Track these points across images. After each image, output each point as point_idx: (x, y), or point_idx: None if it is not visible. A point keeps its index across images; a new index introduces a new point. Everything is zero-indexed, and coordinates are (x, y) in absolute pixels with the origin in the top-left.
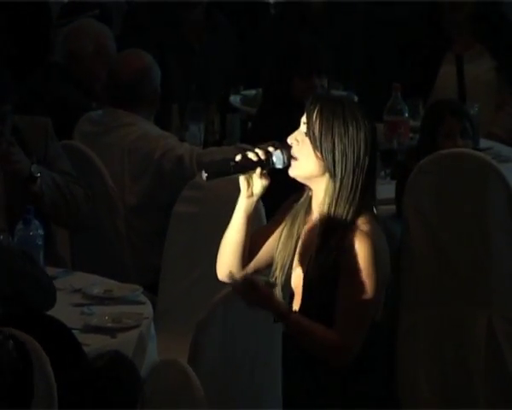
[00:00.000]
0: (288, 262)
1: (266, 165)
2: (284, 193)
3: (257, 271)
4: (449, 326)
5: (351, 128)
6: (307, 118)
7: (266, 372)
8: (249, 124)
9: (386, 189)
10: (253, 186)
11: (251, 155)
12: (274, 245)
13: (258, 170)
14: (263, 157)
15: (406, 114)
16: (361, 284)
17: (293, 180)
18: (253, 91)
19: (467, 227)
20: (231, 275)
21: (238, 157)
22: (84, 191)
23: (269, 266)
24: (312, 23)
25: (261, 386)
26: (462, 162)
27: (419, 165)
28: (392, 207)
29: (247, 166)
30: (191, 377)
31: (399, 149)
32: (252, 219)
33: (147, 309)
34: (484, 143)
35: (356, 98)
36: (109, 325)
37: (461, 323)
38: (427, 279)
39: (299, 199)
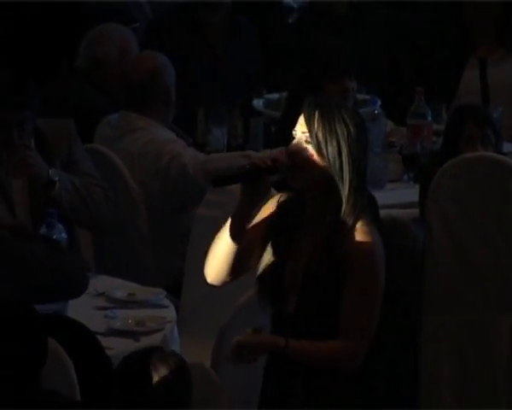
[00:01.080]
0: (280, 263)
1: (272, 172)
2: None
3: (244, 271)
4: (472, 331)
5: (352, 129)
6: (308, 125)
7: None
8: (272, 128)
9: (409, 192)
10: (255, 193)
11: (258, 163)
12: (257, 246)
13: (265, 178)
14: (269, 164)
15: (429, 118)
16: (366, 288)
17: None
18: (277, 95)
19: (490, 231)
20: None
21: (246, 164)
22: (104, 193)
23: (251, 266)
24: (336, 26)
25: None
26: (485, 166)
27: (442, 168)
28: (416, 211)
29: (255, 174)
30: (215, 381)
31: (422, 153)
32: (248, 224)
33: (170, 313)
34: (507, 146)
35: (379, 102)
36: (133, 328)
37: (484, 327)
38: (450, 283)
39: (282, 198)
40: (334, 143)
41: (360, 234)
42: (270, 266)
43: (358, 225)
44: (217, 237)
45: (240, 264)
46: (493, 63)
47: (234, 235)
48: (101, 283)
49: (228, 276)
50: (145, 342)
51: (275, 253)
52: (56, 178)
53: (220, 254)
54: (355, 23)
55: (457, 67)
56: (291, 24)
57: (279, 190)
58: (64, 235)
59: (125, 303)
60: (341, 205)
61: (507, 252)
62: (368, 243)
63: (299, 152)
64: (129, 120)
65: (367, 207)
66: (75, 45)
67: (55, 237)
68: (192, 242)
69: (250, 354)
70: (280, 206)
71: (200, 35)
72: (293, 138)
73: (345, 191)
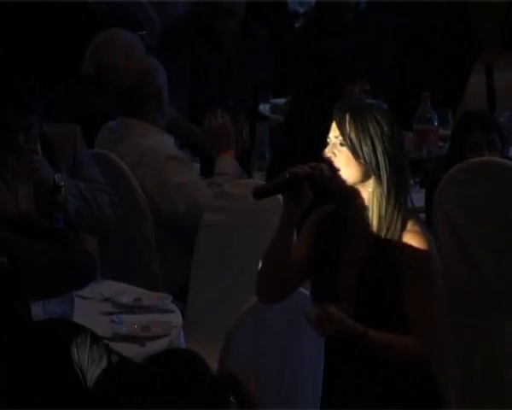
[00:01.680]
0: (333, 274)
1: (312, 179)
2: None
3: (292, 290)
4: (478, 335)
5: (385, 127)
6: (340, 128)
7: (295, 381)
8: (278, 133)
9: (415, 197)
10: (298, 202)
11: (297, 171)
12: (306, 263)
13: (306, 185)
14: (309, 171)
15: (436, 123)
16: (429, 286)
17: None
18: (283, 100)
19: (496, 236)
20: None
21: (285, 173)
22: (110, 198)
23: (301, 284)
24: (342, 31)
25: (290, 395)
26: (491, 171)
27: (448, 173)
28: (422, 216)
29: (295, 183)
30: None
31: (429, 158)
32: (293, 237)
33: (176, 318)
34: None
35: (385, 106)
36: (139, 333)
37: (490, 332)
38: (456, 288)
39: (323, 213)
40: (369, 143)
41: (413, 234)
42: (323, 281)
43: (409, 225)
44: (265, 253)
45: (288, 281)
46: (499, 68)
47: (281, 247)
48: (107, 288)
49: (276, 295)
50: (151, 347)
51: (326, 267)
52: (62, 183)
53: (270, 269)
54: (361, 28)
55: (464, 71)
56: (297, 29)
57: (321, 196)
58: None
59: (131, 308)
60: (385, 202)
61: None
62: (423, 243)
63: (334, 156)
64: (125, 125)
65: (411, 207)
66: (81, 50)
67: None
68: (197, 247)
69: (332, 327)
70: (322, 221)
71: (214, 42)
72: (327, 144)
73: (384, 190)
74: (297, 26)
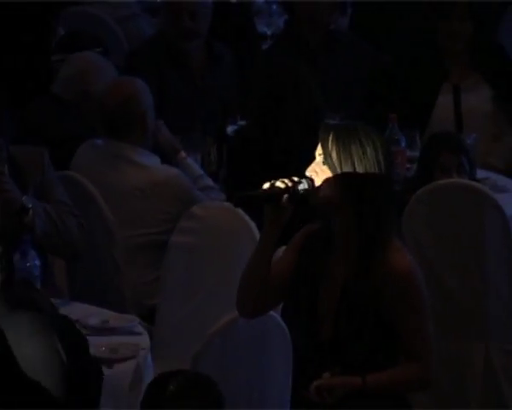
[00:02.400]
0: (314, 293)
1: (293, 193)
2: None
3: (273, 305)
4: (446, 357)
5: (368, 149)
6: (323, 147)
7: (263, 403)
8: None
9: None
10: (278, 215)
11: (278, 184)
12: (288, 279)
13: (286, 197)
14: (290, 185)
15: (403, 145)
16: (418, 305)
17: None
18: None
19: (463, 258)
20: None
21: (266, 185)
22: (77, 221)
23: (282, 300)
24: (310, 54)
25: None
26: (458, 193)
27: (416, 195)
28: None
29: (276, 195)
30: None
31: (396, 180)
32: (274, 251)
33: (144, 340)
34: (480, 173)
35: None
36: (106, 355)
37: (458, 354)
38: None
39: (311, 230)
40: (349, 164)
41: (397, 256)
42: (305, 296)
43: (394, 248)
44: (245, 267)
45: (268, 297)
46: (467, 89)
47: (262, 260)
48: (75, 310)
49: (256, 309)
50: (118, 369)
51: (308, 283)
52: (30, 205)
53: (250, 283)
54: (329, 50)
55: (431, 93)
56: (264, 51)
57: (303, 211)
58: (37, 262)
59: (99, 330)
60: (365, 224)
61: (480, 279)
62: (406, 262)
63: (317, 173)
64: (113, 147)
65: (396, 226)
66: (48, 70)
67: (28, 264)
68: (165, 268)
69: (328, 396)
70: (308, 238)
71: (180, 64)
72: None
73: (363, 211)
74: (264, 48)
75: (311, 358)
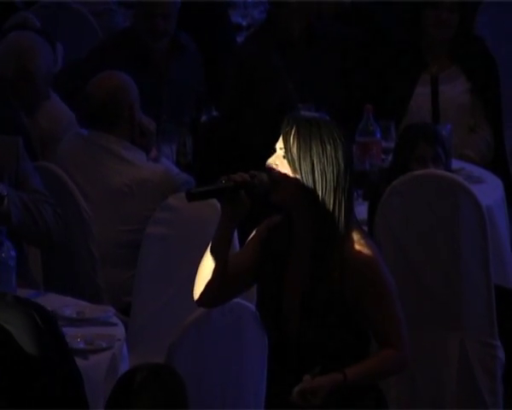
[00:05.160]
0: (278, 287)
1: (250, 187)
2: (254, 218)
3: (232, 296)
4: (421, 349)
5: (328, 147)
6: (284, 141)
7: (239, 393)
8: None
9: (358, 210)
10: (235, 210)
11: (235, 178)
12: (250, 272)
13: (242, 192)
14: (247, 179)
15: (378, 135)
16: (385, 293)
17: (264, 206)
18: None
19: (438, 248)
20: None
21: (222, 179)
22: (53, 209)
23: (242, 292)
24: (288, 45)
25: (233, 408)
26: (434, 183)
27: (391, 186)
28: (365, 228)
29: (232, 189)
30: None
31: (371, 171)
32: (231, 244)
33: (119, 331)
34: (455, 163)
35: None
36: (81, 346)
37: (433, 345)
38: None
39: (272, 223)
40: (308, 160)
41: (357, 247)
42: (269, 292)
43: (354, 240)
44: (203, 256)
45: (227, 288)
46: (444, 80)
47: (217, 255)
48: (49, 301)
49: (214, 299)
50: (94, 360)
51: (271, 278)
52: (5, 193)
53: (205, 277)
54: (310, 41)
55: (410, 82)
56: (241, 43)
57: (260, 206)
58: (13, 252)
59: (74, 321)
60: (320, 220)
61: (455, 269)
62: (368, 253)
63: (276, 167)
64: (100, 139)
65: (356, 223)
66: None
67: (3, 255)
68: (140, 259)
69: (313, 398)
70: (270, 231)
71: (144, 58)
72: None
73: (317, 208)
74: (239, 39)
75: (278, 355)
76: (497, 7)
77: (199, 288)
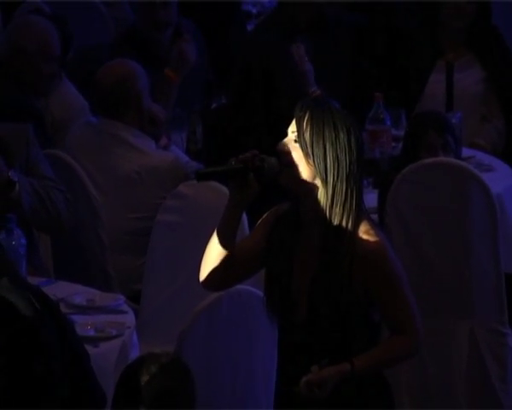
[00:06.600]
0: (286, 273)
1: (259, 171)
2: (263, 204)
3: (238, 280)
4: (431, 336)
5: (341, 134)
6: (297, 125)
7: (249, 381)
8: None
9: (368, 198)
10: (242, 193)
11: (245, 160)
12: (257, 257)
13: (251, 175)
14: (255, 161)
15: (388, 123)
16: (395, 280)
17: (273, 192)
18: None
19: (448, 237)
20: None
21: (232, 160)
22: (63, 196)
23: (249, 277)
24: (298, 32)
25: (243, 396)
26: (444, 171)
27: (402, 174)
28: (375, 216)
29: (241, 171)
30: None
31: (381, 159)
32: (238, 227)
33: (129, 318)
34: (467, 152)
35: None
36: (92, 334)
37: (443, 333)
38: None
39: (281, 210)
40: (321, 146)
41: (366, 236)
42: (277, 277)
43: (363, 229)
44: (209, 241)
45: (234, 272)
46: (460, 68)
47: (224, 238)
48: (60, 288)
49: (221, 282)
50: (104, 348)
51: (279, 266)
52: (16, 179)
53: (212, 259)
54: (319, 29)
55: (425, 69)
56: (250, 31)
57: (268, 190)
58: (23, 240)
59: (84, 309)
60: (329, 207)
61: (465, 257)
62: (377, 241)
63: (287, 151)
64: (109, 127)
65: (365, 212)
66: None
67: (14, 243)
68: (151, 247)
69: (321, 390)
70: (279, 218)
71: (149, 51)
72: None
73: (329, 195)
74: (249, 27)
75: (285, 340)
76: None
77: (205, 270)
